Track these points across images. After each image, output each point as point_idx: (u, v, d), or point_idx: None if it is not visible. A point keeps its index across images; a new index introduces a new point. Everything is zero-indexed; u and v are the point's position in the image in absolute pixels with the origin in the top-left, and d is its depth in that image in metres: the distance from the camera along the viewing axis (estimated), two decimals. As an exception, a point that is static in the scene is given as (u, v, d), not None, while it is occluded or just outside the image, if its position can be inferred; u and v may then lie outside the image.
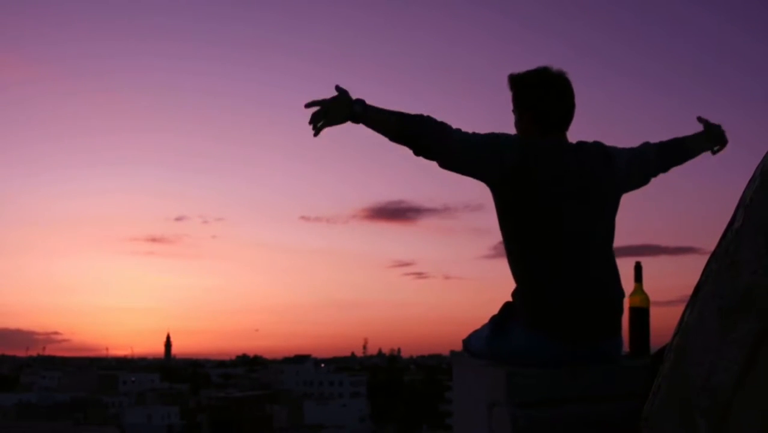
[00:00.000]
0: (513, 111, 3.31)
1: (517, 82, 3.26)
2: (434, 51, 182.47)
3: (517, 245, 3.14)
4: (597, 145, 3.27)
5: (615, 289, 3.19)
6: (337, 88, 3.00)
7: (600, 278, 3.13)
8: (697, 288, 2.02)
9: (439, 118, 3.04)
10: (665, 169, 3.51)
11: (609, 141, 3.33)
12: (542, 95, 3.19)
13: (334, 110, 2.99)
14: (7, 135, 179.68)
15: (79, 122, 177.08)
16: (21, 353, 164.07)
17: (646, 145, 3.46)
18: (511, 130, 3.28)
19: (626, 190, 3.33)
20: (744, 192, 1.89)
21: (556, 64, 3.25)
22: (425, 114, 3.02)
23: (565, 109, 3.22)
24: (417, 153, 3.02)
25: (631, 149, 3.40)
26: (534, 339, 3.07)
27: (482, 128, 3.13)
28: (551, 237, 3.07)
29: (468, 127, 3.09)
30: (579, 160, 3.16)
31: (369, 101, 2.99)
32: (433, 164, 3.06)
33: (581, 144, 3.25)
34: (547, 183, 3.05)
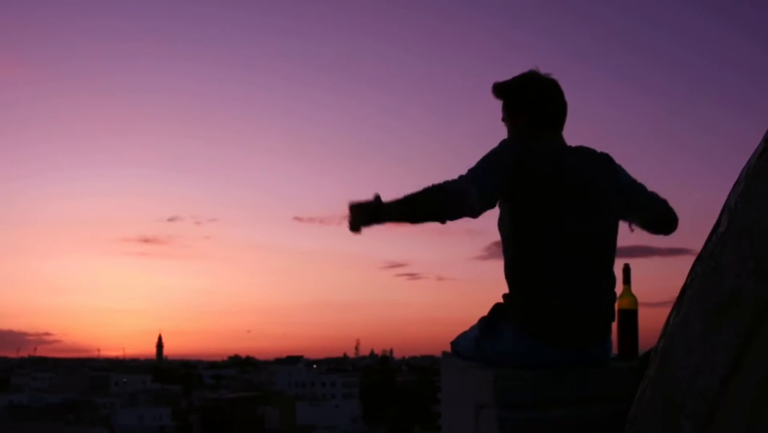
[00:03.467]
0: (503, 120, 3.30)
1: (506, 88, 3.26)
2: (425, 52, 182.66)
3: (516, 246, 3.11)
4: (595, 150, 3.25)
5: (609, 296, 3.18)
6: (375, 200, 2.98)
7: (595, 284, 3.11)
8: (683, 291, 2.03)
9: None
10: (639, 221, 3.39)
11: (602, 144, 3.31)
12: (535, 96, 3.18)
13: (356, 216, 2.96)
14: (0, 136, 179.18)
15: (71, 124, 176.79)
16: (12, 354, 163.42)
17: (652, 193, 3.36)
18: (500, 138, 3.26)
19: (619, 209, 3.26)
20: (729, 196, 1.90)
21: (547, 66, 3.26)
22: (429, 186, 2.94)
23: (559, 108, 3.21)
24: (443, 222, 2.97)
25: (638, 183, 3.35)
26: (523, 341, 3.07)
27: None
28: (550, 238, 3.04)
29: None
30: (577, 160, 3.15)
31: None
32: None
33: (580, 147, 3.25)
34: (547, 183, 3.03)
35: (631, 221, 3.35)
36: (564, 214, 3.05)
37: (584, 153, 3.21)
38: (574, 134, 3.30)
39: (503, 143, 3.12)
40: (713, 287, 1.90)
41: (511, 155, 3.04)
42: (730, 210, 1.88)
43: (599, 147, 3.29)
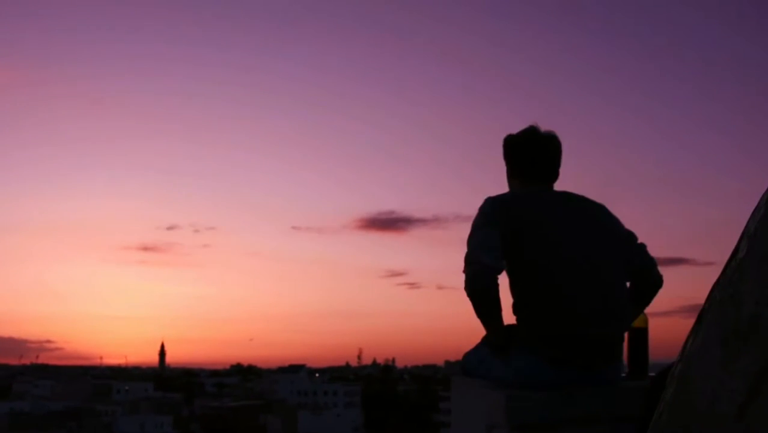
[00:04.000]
0: None
1: (504, 141, 3.44)
2: (426, 58, 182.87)
3: (521, 273, 3.15)
4: (586, 198, 3.33)
5: (616, 320, 3.17)
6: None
7: (601, 311, 3.10)
8: (700, 316, 2.01)
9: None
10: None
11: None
12: (522, 150, 3.37)
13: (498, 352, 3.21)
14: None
15: (70, 129, 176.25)
16: (14, 361, 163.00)
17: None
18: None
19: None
20: (748, 222, 1.88)
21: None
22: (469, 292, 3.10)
23: (545, 163, 3.35)
24: (492, 297, 3.09)
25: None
26: (533, 363, 3.06)
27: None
28: (554, 263, 3.09)
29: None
30: (563, 203, 3.26)
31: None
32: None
33: (570, 193, 3.34)
34: (527, 222, 3.14)
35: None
36: (557, 247, 3.11)
37: (573, 196, 3.32)
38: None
39: (485, 201, 3.25)
40: (731, 313, 1.88)
41: (495, 207, 3.19)
42: (749, 236, 1.86)
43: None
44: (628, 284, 3.31)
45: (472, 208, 3.26)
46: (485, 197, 3.28)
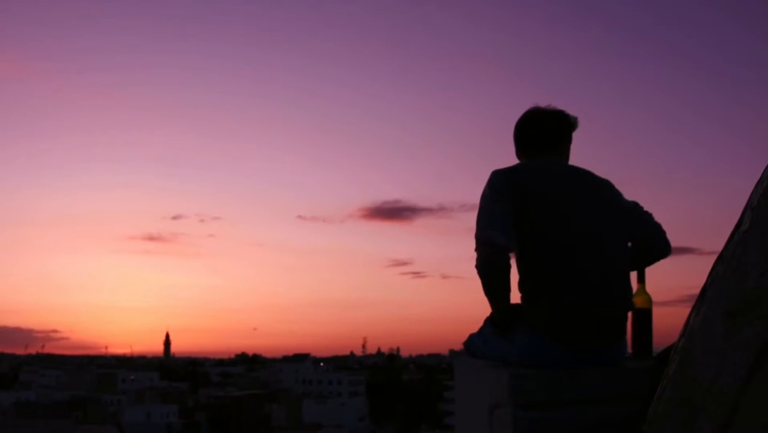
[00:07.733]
0: None
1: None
2: (433, 50, 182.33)
3: (526, 249, 3.14)
4: (590, 172, 3.32)
5: (620, 298, 3.17)
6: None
7: (607, 291, 3.10)
8: (703, 290, 2.01)
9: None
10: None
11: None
12: (518, 126, 3.42)
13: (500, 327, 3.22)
14: (3, 132, 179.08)
15: (76, 119, 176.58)
16: (20, 351, 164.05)
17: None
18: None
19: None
20: (751, 194, 1.88)
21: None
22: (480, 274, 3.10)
23: (539, 134, 3.36)
24: (505, 272, 3.09)
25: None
26: (537, 341, 3.06)
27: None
28: (550, 245, 3.09)
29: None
30: (570, 176, 3.25)
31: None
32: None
33: (573, 165, 3.35)
34: (536, 196, 3.13)
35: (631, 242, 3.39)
36: (559, 219, 3.11)
37: (579, 170, 3.30)
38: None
39: (493, 174, 3.24)
40: (735, 286, 1.88)
41: (504, 179, 3.18)
42: (752, 208, 1.85)
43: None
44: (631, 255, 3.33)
45: (476, 198, 3.25)
46: (492, 170, 3.26)
